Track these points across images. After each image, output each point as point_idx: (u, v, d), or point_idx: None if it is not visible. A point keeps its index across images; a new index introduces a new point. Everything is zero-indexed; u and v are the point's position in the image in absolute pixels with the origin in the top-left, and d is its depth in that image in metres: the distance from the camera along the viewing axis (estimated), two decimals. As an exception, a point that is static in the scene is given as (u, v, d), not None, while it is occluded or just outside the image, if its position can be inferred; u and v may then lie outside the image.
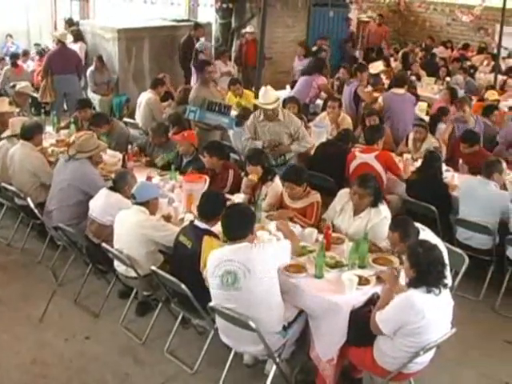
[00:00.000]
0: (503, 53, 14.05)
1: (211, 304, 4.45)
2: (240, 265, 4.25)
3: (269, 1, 8.31)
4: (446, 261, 4.27)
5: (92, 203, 5.81)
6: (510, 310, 6.03)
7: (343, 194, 5.80)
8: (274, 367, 4.56)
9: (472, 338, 5.51)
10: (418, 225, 4.88)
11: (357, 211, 5.55)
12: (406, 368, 4.23)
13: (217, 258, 4.37)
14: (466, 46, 16.16)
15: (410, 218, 4.93)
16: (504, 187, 6.56)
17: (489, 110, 8.85)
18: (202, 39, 12.42)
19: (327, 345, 4.47)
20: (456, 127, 8.48)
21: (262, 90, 7.23)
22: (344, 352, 4.47)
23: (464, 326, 4.73)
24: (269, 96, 7.10)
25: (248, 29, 13.37)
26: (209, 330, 4.95)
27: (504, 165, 6.57)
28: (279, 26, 14.12)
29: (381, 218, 5.40)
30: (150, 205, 5.34)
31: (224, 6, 13.78)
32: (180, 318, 5.29)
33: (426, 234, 4.87)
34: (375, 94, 9.92)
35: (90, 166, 6.34)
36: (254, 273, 4.23)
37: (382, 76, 11.88)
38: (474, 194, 6.28)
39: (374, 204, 5.47)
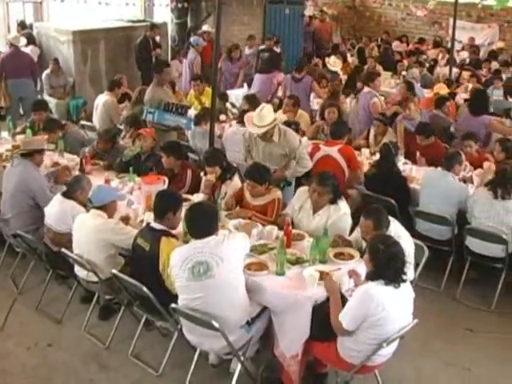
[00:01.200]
0: (457, 46, 14.27)
1: (173, 305, 4.43)
2: (212, 255, 4.29)
3: (224, -1, 8.28)
4: (412, 254, 4.29)
5: (47, 210, 5.74)
6: (470, 298, 6.14)
7: (302, 191, 5.81)
8: (239, 365, 4.57)
9: (434, 328, 5.59)
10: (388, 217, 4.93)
11: (316, 209, 5.56)
12: (370, 361, 4.26)
13: (184, 253, 4.39)
14: (421, 41, 16.37)
15: (383, 208, 4.98)
16: (470, 180, 6.72)
17: (440, 101, 8.93)
18: (158, 38, 12.41)
19: (291, 340, 4.50)
20: (407, 124, 8.56)
21: (259, 109, 6.49)
22: (308, 348, 4.50)
23: (426, 316, 4.81)
24: (263, 118, 6.36)
25: (204, 28, 13.34)
26: (172, 332, 4.93)
27: (463, 156, 6.68)
28: (235, 24, 14.18)
29: (340, 214, 5.44)
30: (107, 208, 5.29)
31: (179, 5, 13.76)
32: (143, 320, 5.26)
33: (396, 225, 4.95)
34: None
35: (34, 170, 6.26)
36: (227, 262, 4.30)
37: (339, 71, 11.97)
38: (435, 186, 6.37)
39: (333, 201, 5.49)
